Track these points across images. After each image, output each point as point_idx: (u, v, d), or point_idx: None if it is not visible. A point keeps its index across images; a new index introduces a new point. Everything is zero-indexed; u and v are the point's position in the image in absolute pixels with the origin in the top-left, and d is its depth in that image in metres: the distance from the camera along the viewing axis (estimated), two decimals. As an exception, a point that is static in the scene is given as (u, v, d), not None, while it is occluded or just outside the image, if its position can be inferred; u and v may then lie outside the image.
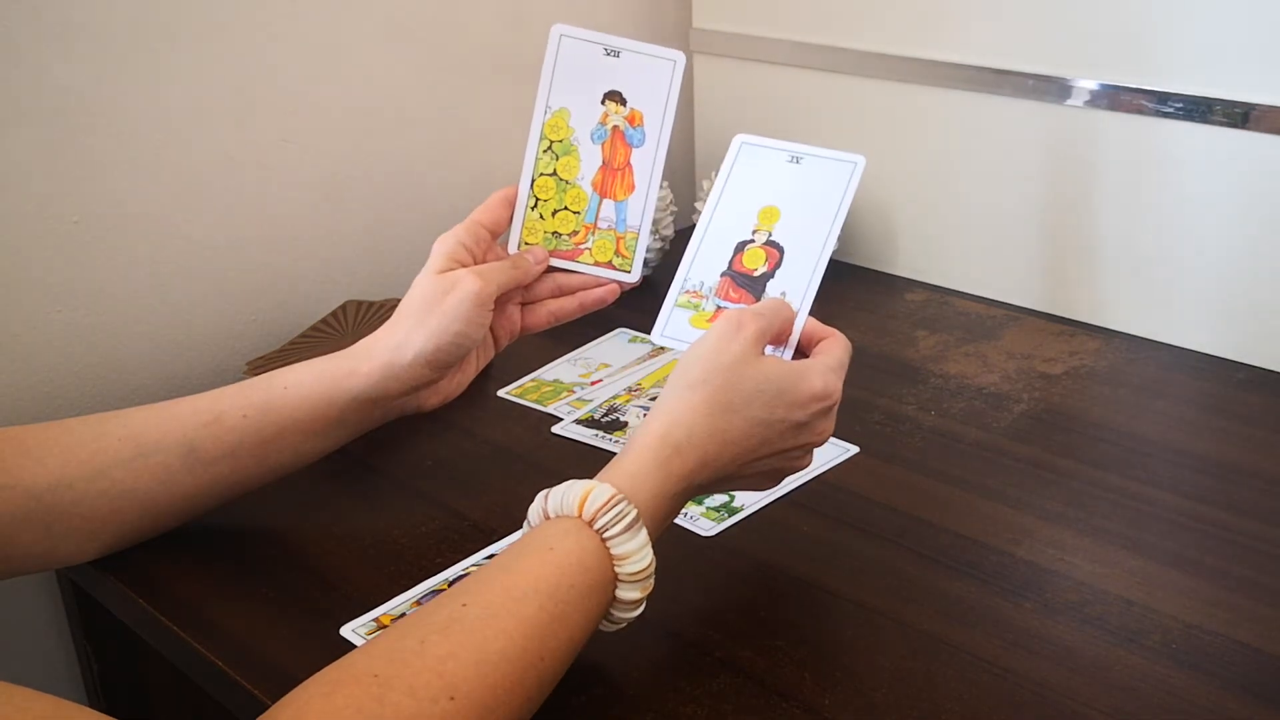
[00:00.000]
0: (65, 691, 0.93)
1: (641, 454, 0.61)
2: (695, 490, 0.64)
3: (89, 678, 0.88)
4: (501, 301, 0.76)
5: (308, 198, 1.01)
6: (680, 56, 0.77)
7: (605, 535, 0.58)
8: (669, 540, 0.73)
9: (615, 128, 0.78)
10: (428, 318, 0.72)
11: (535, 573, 0.56)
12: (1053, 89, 0.97)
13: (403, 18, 1.03)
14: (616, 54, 0.77)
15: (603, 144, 0.79)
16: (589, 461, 0.82)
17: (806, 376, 0.64)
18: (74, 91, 0.85)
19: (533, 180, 0.79)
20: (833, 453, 0.82)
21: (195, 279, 0.95)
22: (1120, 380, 0.92)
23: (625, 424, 0.86)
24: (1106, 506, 0.76)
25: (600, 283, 0.80)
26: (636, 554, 0.58)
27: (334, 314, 0.98)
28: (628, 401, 0.90)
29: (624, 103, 0.78)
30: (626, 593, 0.59)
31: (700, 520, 0.75)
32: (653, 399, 0.90)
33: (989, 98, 1.02)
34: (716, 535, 0.74)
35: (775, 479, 0.68)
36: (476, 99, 1.10)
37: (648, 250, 0.80)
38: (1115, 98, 0.94)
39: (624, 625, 0.61)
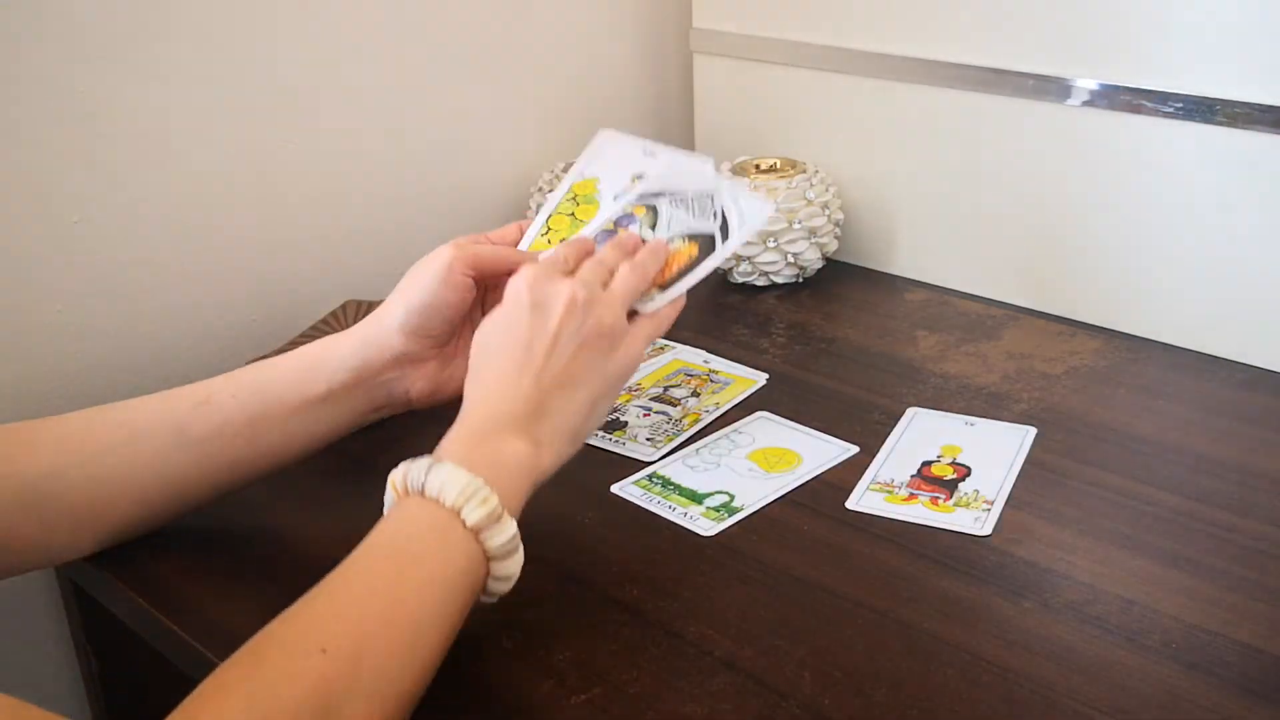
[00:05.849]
0: (65, 691, 0.93)
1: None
2: (512, 419, 0.66)
3: (89, 677, 0.88)
4: (493, 286, 0.77)
5: (308, 197, 1.01)
6: (710, 165, 0.79)
7: (409, 481, 0.61)
8: (669, 540, 0.73)
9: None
10: (407, 289, 0.75)
11: (372, 537, 0.61)
12: (1053, 89, 0.97)
13: (403, 18, 1.03)
14: (653, 155, 0.81)
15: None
16: (587, 462, 0.82)
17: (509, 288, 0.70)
18: (74, 91, 0.85)
19: (550, 215, 0.81)
20: (833, 452, 0.82)
21: (195, 279, 0.95)
22: (1120, 380, 0.92)
23: (625, 424, 0.86)
24: (1106, 506, 0.76)
25: None
26: (446, 480, 0.60)
27: (334, 314, 0.98)
28: (628, 401, 0.90)
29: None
30: (472, 513, 0.60)
31: (700, 520, 0.75)
32: (653, 398, 0.90)
33: (989, 98, 1.02)
34: (716, 535, 0.74)
35: (610, 382, 0.70)
36: (477, 99, 1.11)
37: None
38: (1115, 98, 0.94)
39: (515, 551, 0.61)
